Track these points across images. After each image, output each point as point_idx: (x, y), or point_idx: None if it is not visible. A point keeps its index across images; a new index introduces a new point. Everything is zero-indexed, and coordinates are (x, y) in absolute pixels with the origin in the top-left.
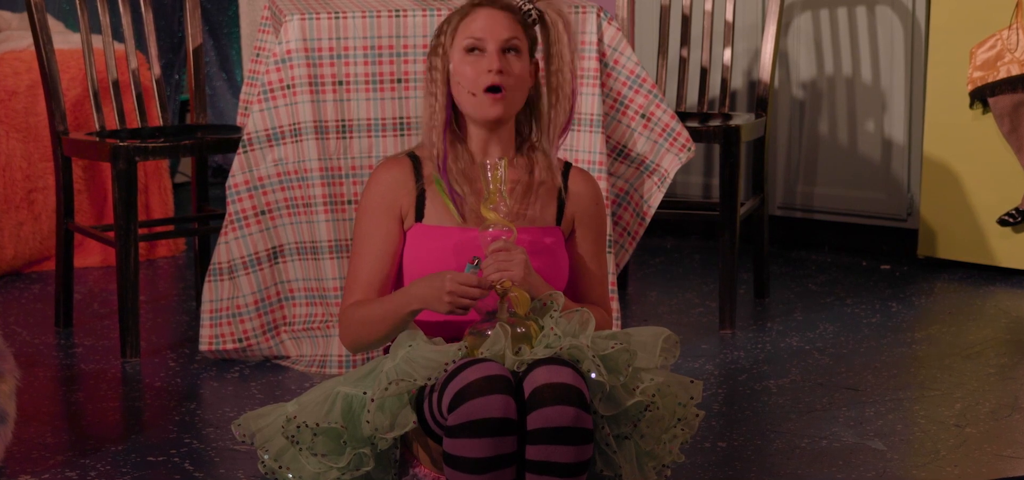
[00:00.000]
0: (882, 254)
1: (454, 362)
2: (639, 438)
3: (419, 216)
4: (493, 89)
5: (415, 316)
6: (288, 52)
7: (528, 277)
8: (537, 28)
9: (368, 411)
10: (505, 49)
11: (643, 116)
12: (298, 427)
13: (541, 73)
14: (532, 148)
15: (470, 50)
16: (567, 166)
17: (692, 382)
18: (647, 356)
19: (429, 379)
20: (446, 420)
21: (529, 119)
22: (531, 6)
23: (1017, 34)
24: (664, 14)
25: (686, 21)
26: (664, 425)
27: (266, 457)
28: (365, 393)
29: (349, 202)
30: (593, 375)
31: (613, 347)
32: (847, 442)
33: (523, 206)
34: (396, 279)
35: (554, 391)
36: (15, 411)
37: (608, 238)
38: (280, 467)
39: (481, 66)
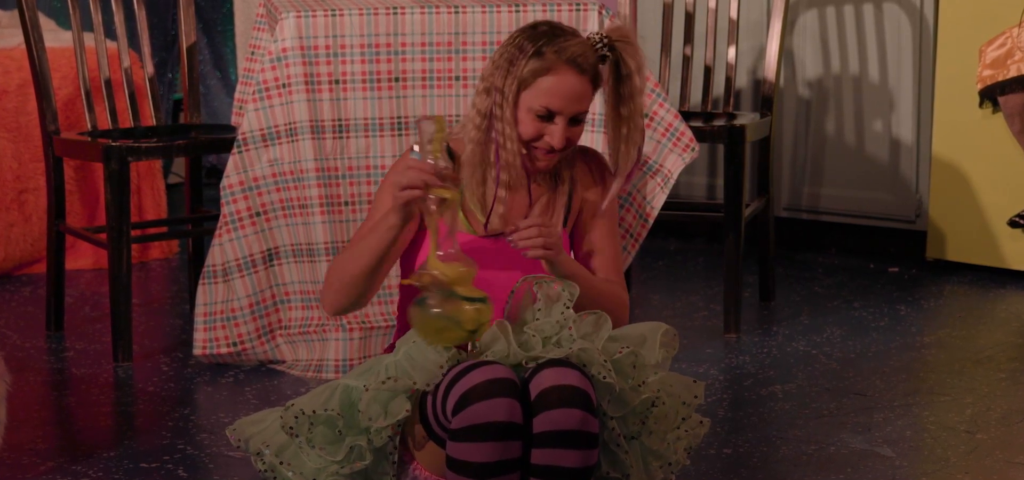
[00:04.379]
0: (890, 256)
1: (453, 364)
2: (647, 435)
3: None
4: (550, 151)
5: (394, 228)
6: (284, 50)
7: (561, 256)
8: (607, 64)
9: (362, 400)
10: (572, 120)
11: (646, 116)
12: (296, 416)
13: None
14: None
15: (540, 115)
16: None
17: (694, 382)
18: (647, 351)
19: (427, 385)
20: (450, 423)
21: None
22: (604, 43)
23: None
24: (667, 12)
25: (689, 18)
26: (670, 423)
27: (267, 451)
28: (366, 387)
29: (346, 203)
30: (604, 377)
31: (621, 352)
32: (855, 448)
33: (544, 219)
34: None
35: (561, 393)
36: (5, 416)
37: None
38: (281, 463)
39: (545, 130)
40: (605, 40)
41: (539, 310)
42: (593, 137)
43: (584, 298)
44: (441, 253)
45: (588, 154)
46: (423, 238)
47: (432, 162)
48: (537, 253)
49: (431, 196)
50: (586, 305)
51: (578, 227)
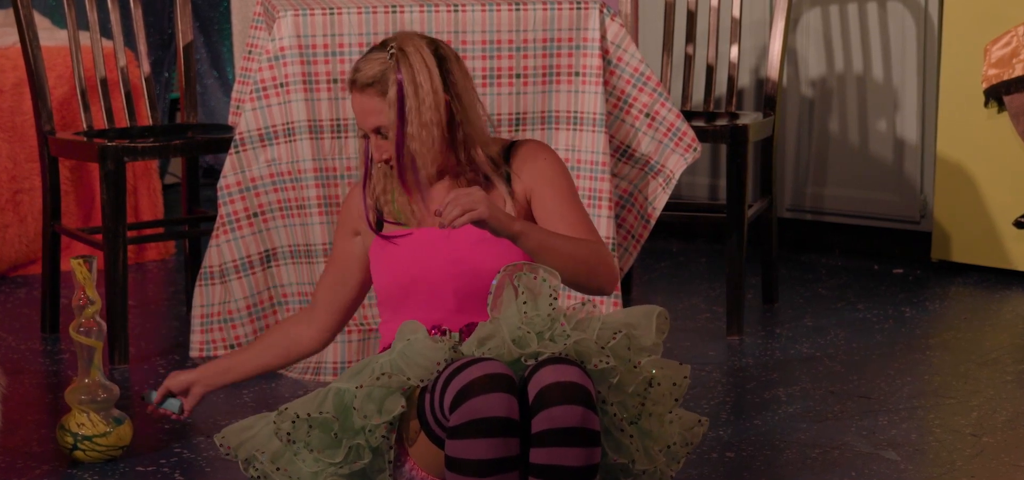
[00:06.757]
0: (894, 257)
1: (449, 362)
2: (647, 418)
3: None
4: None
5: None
6: (281, 49)
7: (493, 210)
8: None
9: (357, 398)
10: (378, 132)
11: (647, 115)
12: (293, 421)
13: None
14: (470, 160)
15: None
16: (509, 147)
17: (681, 364)
18: (643, 334)
19: (422, 381)
20: (448, 420)
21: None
22: (392, 52)
23: None
24: (669, 10)
25: (691, 17)
26: (666, 405)
27: (262, 458)
28: (358, 388)
29: None
30: (605, 363)
31: (615, 337)
32: (860, 452)
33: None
34: (358, 296)
35: (562, 390)
36: (0, 419)
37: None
38: (277, 470)
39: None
40: (392, 47)
41: (525, 304)
42: (595, 136)
43: (551, 254)
44: (77, 386)
45: (526, 145)
46: (388, 250)
47: (80, 306)
48: (463, 220)
49: (74, 336)
50: (561, 260)
51: (535, 211)
